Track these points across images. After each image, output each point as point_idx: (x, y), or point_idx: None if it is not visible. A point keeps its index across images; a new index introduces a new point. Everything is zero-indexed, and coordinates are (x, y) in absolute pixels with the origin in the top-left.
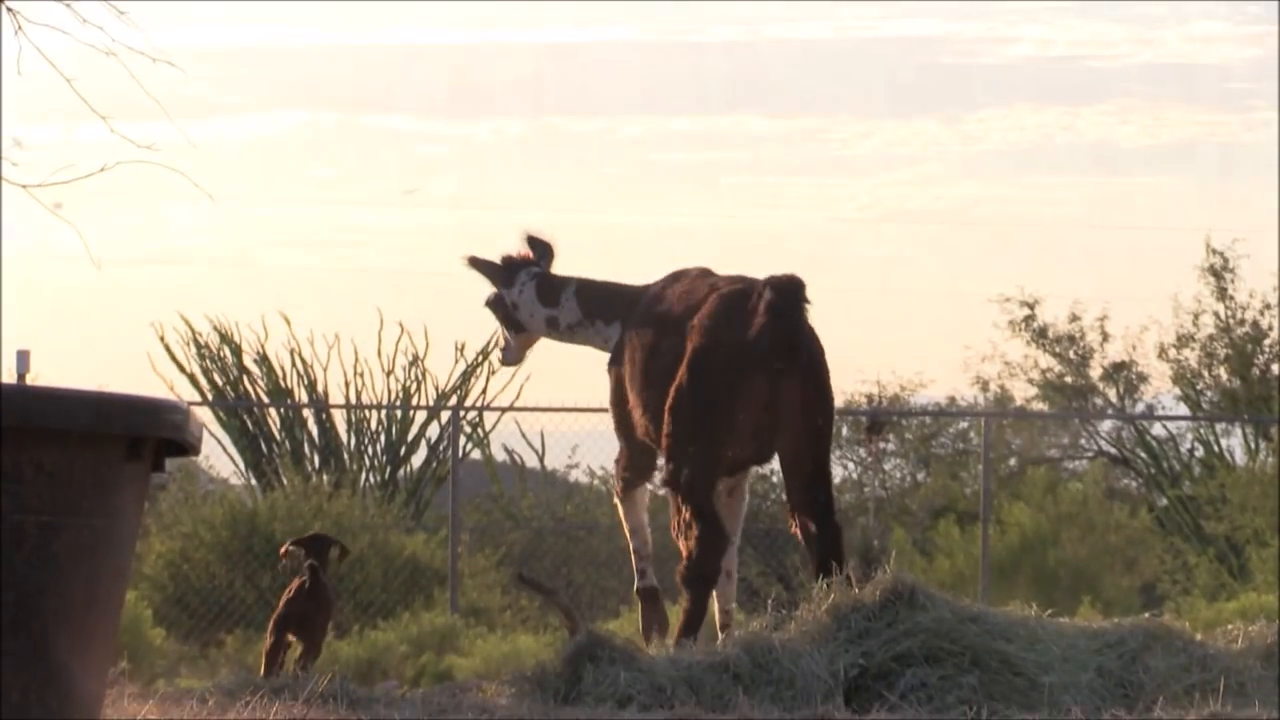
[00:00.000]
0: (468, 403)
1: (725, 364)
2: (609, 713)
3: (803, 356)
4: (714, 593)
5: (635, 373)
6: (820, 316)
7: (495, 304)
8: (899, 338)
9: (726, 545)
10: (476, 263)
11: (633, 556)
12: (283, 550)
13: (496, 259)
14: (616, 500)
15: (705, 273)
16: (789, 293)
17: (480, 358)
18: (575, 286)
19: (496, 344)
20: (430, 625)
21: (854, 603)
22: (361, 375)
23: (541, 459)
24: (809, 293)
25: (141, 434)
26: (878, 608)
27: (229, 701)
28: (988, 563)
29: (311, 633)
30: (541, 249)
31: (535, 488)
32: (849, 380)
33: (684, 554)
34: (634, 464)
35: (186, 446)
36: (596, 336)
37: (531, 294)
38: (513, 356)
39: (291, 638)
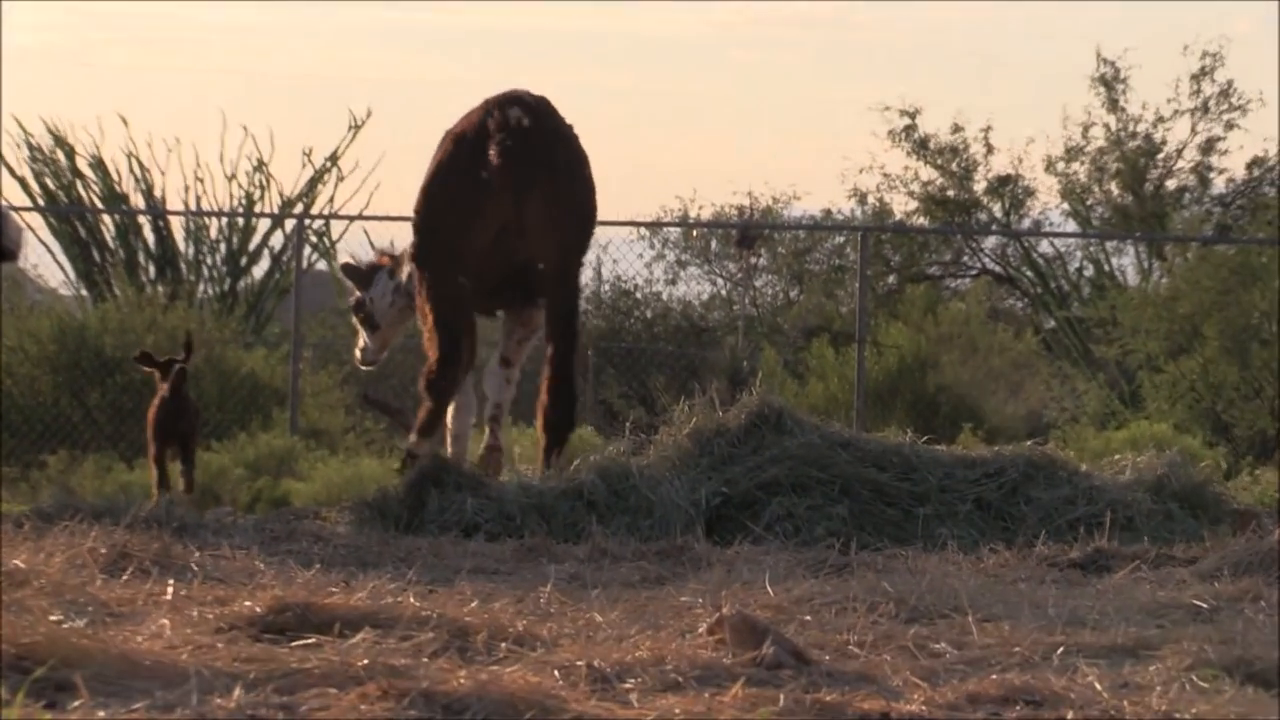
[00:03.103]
0: (314, 211)
1: (461, 185)
2: (454, 541)
3: (538, 166)
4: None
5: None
6: (690, 123)
7: (357, 307)
8: (773, 147)
9: (460, 362)
10: (347, 270)
11: (450, 444)
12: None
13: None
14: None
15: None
16: (527, 112)
17: (328, 164)
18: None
19: (356, 345)
20: (268, 447)
21: (717, 426)
22: (202, 180)
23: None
24: (546, 106)
25: None
26: (743, 432)
27: (46, 527)
28: (863, 386)
29: (183, 442)
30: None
31: None
32: (719, 191)
33: (428, 364)
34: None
35: (4, 252)
36: None
37: (385, 278)
38: (371, 356)
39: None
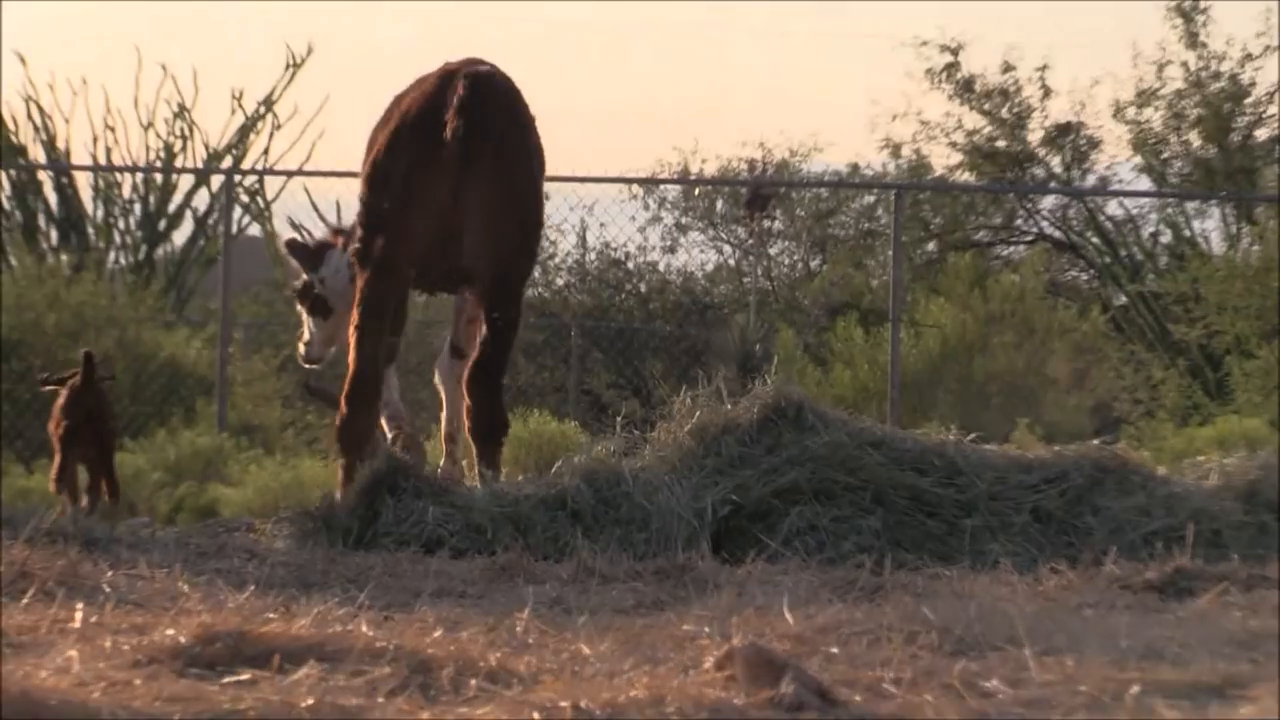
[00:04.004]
0: (246, 165)
1: (407, 161)
2: (413, 559)
3: (485, 153)
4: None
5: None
6: (690, 61)
7: (303, 292)
8: (790, 88)
9: (376, 399)
10: (293, 248)
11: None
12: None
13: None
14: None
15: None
16: (477, 88)
17: (262, 109)
18: None
19: (300, 338)
20: (191, 447)
21: (725, 422)
22: (113, 129)
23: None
24: (510, 87)
25: None
26: (756, 429)
27: None
28: (898, 374)
29: (99, 449)
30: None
31: None
32: (725, 142)
33: (339, 410)
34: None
35: None
36: None
37: (338, 255)
38: (317, 351)
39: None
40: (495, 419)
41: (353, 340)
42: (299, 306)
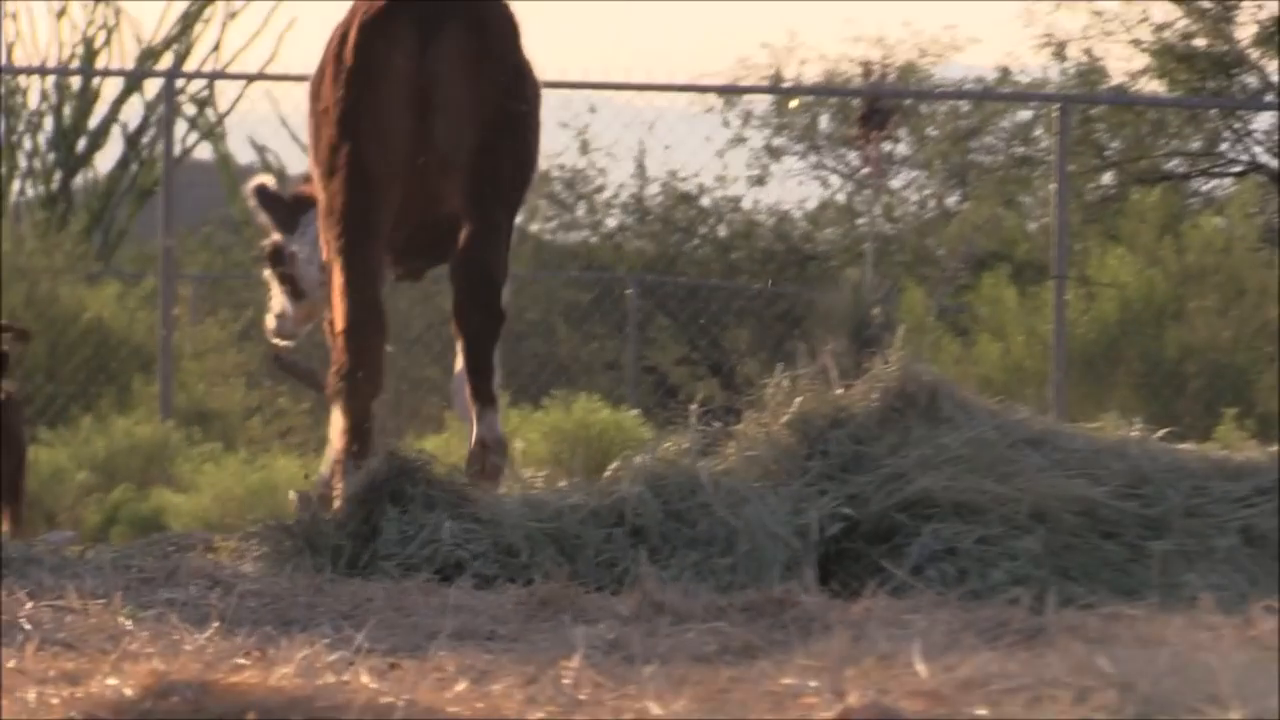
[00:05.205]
0: (190, 65)
1: (361, 38)
2: (425, 589)
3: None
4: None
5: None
6: None
7: (274, 258)
8: None
9: (383, 333)
10: (264, 198)
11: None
12: None
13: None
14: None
15: None
16: None
17: None
18: None
19: (270, 310)
20: (127, 438)
21: (835, 412)
22: (15, 18)
23: None
24: None
25: None
26: (875, 422)
27: None
28: (1063, 350)
29: (8, 451)
30: None
31: None
32: (833, 39)
33: (334, 351)
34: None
35: None
36: None
37: (314, 230)
38: (290, 328)
39: None
40: (490, 306)
41: (337, 262)
42: (268, 272)
